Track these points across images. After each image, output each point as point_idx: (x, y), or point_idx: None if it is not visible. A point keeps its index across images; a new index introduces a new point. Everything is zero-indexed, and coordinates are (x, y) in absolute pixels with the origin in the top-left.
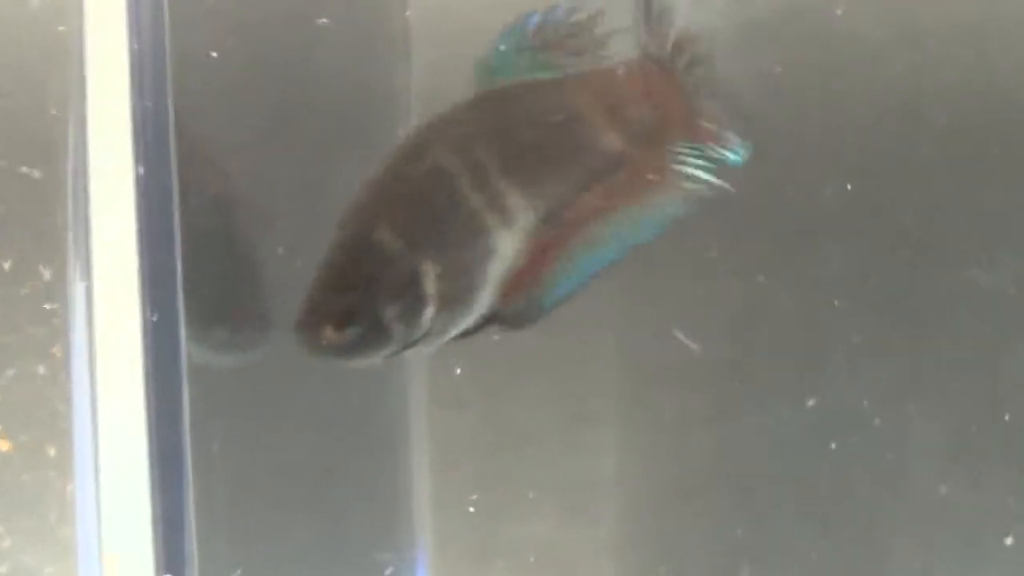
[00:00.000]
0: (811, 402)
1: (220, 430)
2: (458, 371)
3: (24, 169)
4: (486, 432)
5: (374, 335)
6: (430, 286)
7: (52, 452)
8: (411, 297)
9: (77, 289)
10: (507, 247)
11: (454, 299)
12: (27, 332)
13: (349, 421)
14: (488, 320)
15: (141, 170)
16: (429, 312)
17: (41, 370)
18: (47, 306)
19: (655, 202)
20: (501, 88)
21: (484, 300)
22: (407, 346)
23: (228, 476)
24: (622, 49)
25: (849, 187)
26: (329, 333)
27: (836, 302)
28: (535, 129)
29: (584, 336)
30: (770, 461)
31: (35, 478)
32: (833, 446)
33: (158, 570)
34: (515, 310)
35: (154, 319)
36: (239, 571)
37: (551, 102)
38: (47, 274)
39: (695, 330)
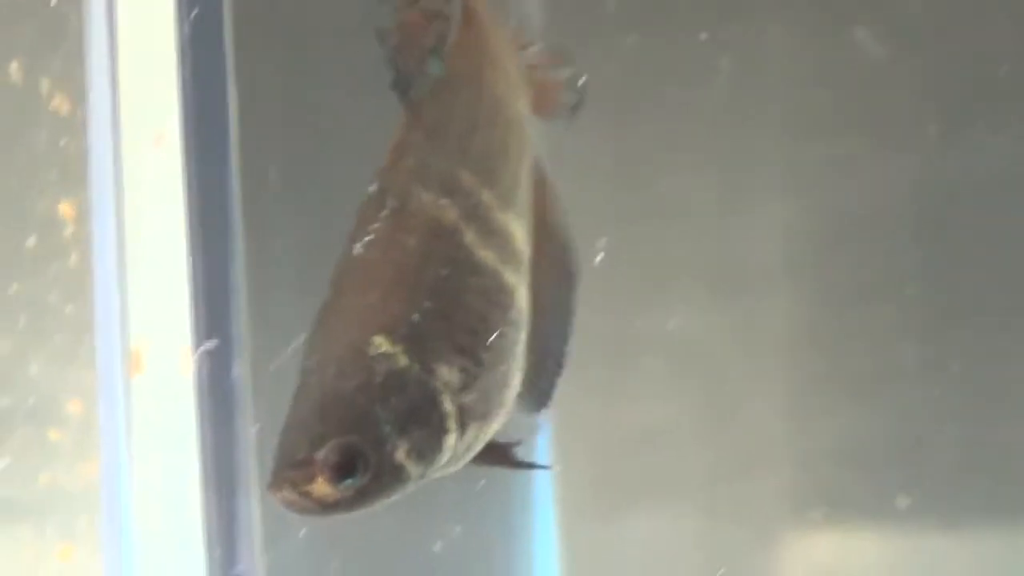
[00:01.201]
0: None
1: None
2: None
3: None
4: None
5: (381, 481)
6: (448, 402)
7: None
8: (426, 423)
9: None
10: (524, 301)
11: (483, 407)
12: None
13: None
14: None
15: None
16: (452, 437)
17: None
18: None
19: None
20: (425, 102)
21: (516, 384)
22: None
23: None
24: None
25: None
26: (322, 489)
27: None
28: (492, 131)
29: None
30: None
31: None
32: None
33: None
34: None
35: None
36: None
37: (478, 93)
38: None
39: None
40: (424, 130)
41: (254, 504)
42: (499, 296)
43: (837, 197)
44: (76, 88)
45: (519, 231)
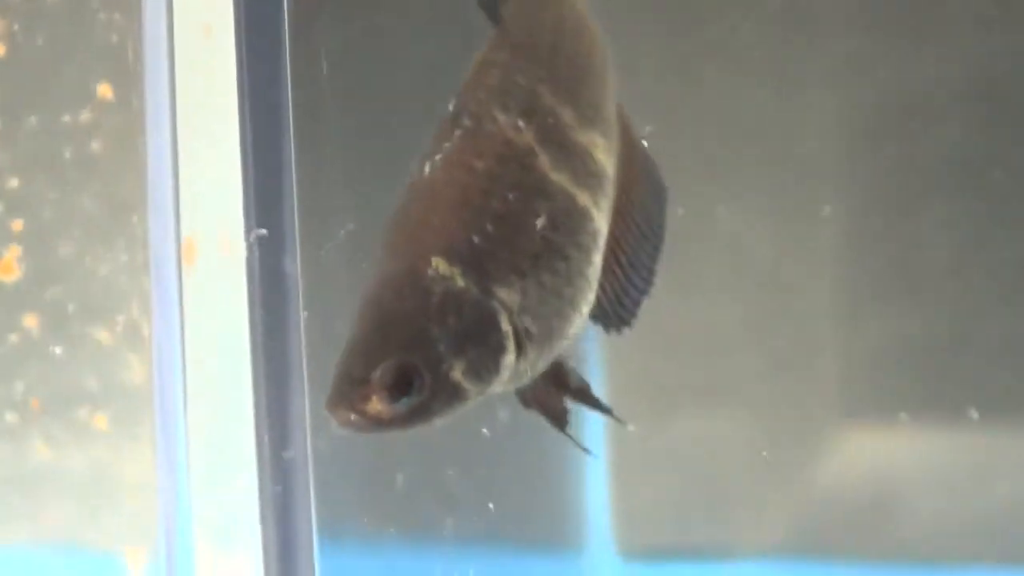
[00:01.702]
0: None
1: None
2: None
3: None
4: None
5: (438, 400)
6: (507, 322)
7: None
8: (483, 343)
9: None
10: (603, 222)
11: (545, 329)
12: None
13: None
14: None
15: None
16: (510, 357)
17: None
18: None
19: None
20: (511, 18)
21: (585, 307)
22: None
23: None
24: None
25: None
26: (377, 407)
27: None
28: (578, 46)
29: None
30: None
31: None
32: None
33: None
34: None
35: None
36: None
37: (564, 7)
38: None
39: None
40: (509, 47)
41: (303, 391)
42: (569, 219)
43: (888, 92)
44: None
45: (601, 151)
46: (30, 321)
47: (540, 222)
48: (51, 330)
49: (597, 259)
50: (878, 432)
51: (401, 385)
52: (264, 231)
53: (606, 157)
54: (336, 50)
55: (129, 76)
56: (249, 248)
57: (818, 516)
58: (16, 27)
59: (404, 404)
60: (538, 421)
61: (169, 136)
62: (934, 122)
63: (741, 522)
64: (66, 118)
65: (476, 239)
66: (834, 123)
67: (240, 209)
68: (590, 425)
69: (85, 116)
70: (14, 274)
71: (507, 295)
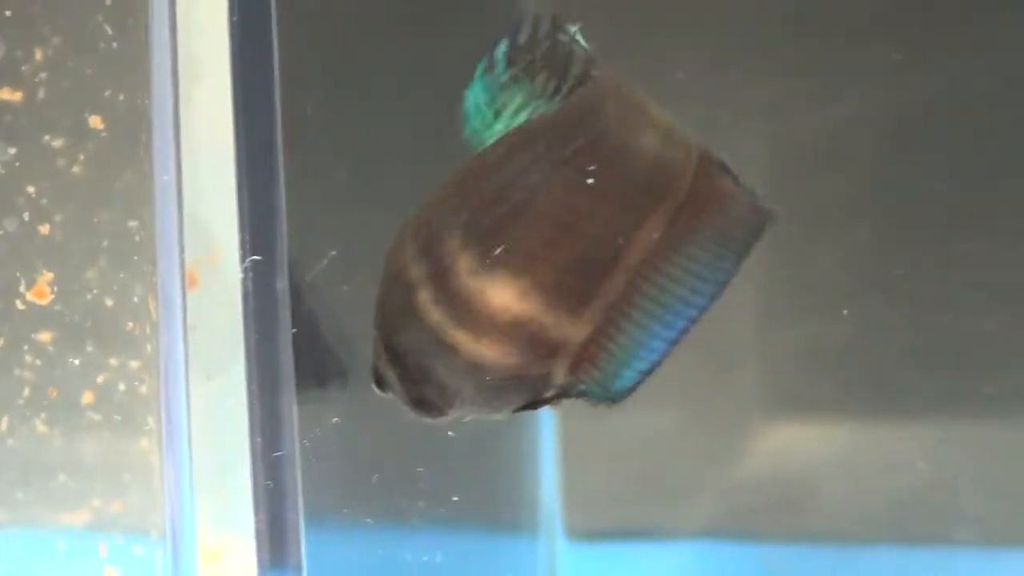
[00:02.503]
0: None
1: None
2: None
3: None
4: None
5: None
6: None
7: None
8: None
9: None
10: (480, 355)
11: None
12: None
13: None
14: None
15: None
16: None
17: None
18: None
19: (724, 224)
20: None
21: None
22: None
23: None
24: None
25: None
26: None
27: None
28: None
29: None
30: None
31: None
32: None
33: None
34: (588, 388)
35: None
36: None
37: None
38: None
39: None
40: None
41: (292, 397)
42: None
43: (807, 129)
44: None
45: (499, 294)
46: (44, 337)
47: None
48: (69, 346)
49: (468, 385)
50: (798, 425)
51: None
52: (258, 257)
53: (512, 297)
54: (321, 95)
55: (137, 115)
56: (244, 272)
57: (746, 500)
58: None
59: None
60: (496, 425)
61: (175, 174)
62: (853, 154)
63: (678, 506)
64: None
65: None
66: (765, 152)
67: (236, 239)
68: (542, 420)
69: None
70: (47, 297)
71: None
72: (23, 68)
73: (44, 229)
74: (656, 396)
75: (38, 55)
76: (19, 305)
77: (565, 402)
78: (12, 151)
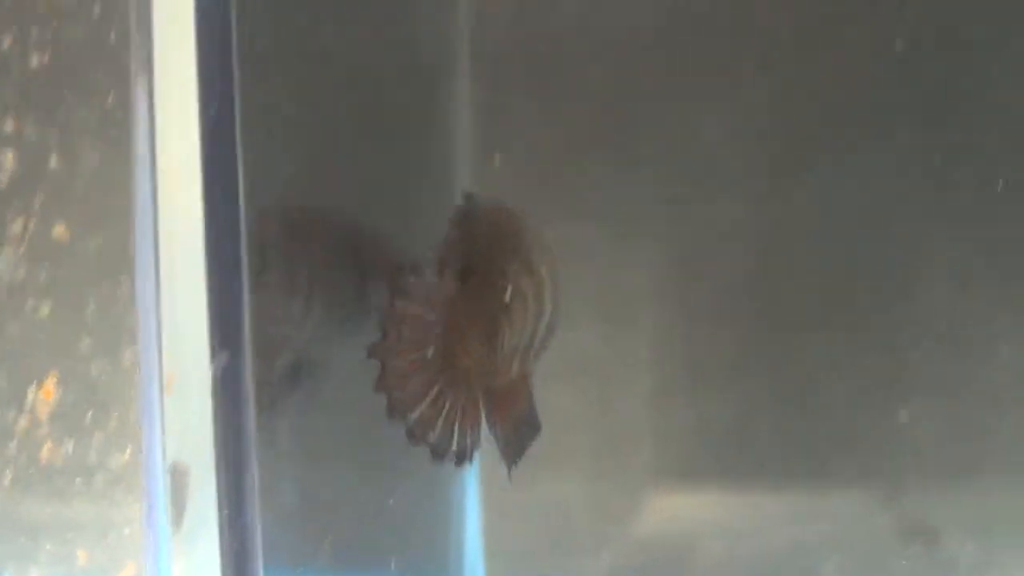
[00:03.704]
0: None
1: None
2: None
3: None
4: None
5: None
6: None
7: None
8: None
9: None
10: None
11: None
12: None
13: None
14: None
15: None
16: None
17: None
18: None
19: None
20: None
21: None
22: None
23: None
24: None
25: None
26: None
27: None
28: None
29: None
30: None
31: None
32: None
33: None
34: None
35: None
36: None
37: None
38: None
39: None
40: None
41: (255, 476)
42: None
43: (673, 239)
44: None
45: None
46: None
47: None
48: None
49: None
50: (683, 492)
51: None
52: (225, 359)
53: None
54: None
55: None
56: (214, 371)
57: (639, 557)
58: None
59: None
60: (429, 493)
61: (154, 285)
62: (732, 256)
63: (583, 560)
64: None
65: None
66: (657, 252)
67: (207, 344)
68: (468, 486)
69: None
70: (53, 395)
71: None
72: None
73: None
74: (562, 464)
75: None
76: None
77: (488, 470)
78: None
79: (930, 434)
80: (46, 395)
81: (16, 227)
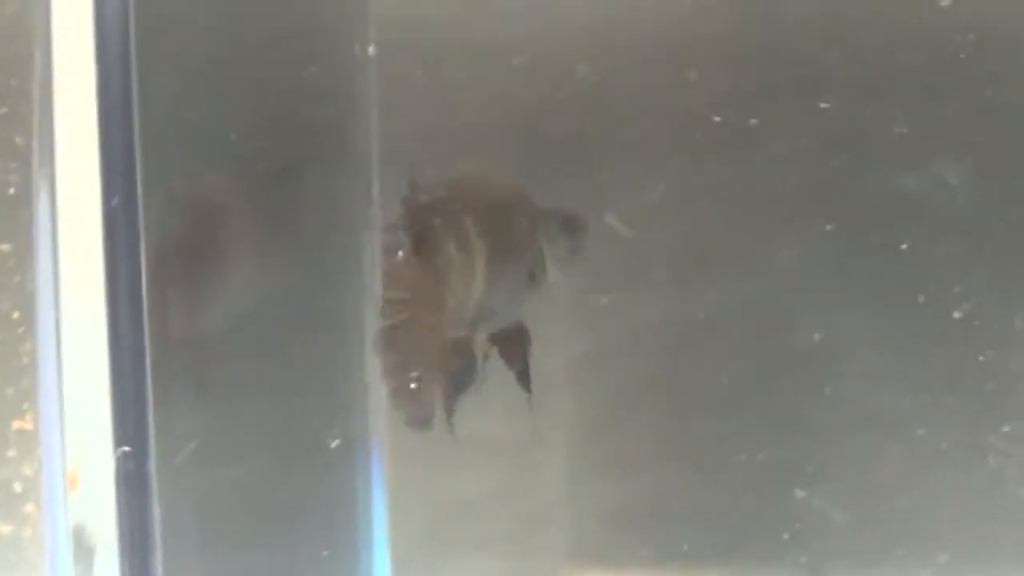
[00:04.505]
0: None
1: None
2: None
3: None
4: None
5: None
6: None
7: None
8: None
9: None
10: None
11: None
12: None
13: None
14: None
15: None
16: None
17: None
18: None
19: None
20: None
21: None
22: None
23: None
24: None
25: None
26: None
27: None
28: None
29: None
30: None
31: None
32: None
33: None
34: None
35: None
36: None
37: None
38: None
39: None
40: None
41: (158, 564)
42: None
43: (616, 328)
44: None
45: None
46: None
47: None
48: None
49: None
50: (598, 572)
51: None
52: (128, 448)
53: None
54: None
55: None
56: (117, 462)
57: None
58: None
59: None
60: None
61: (56, 380)
62: (649, 348)
63: None
64: None
65: None
66: (569, 341)
67: (110, 438)
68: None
69: None
70: None
71: None
72: None
73: None
74: (477, 545)
75: None
76: None
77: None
78: None
79: (847, 514)
80: None
81: None
